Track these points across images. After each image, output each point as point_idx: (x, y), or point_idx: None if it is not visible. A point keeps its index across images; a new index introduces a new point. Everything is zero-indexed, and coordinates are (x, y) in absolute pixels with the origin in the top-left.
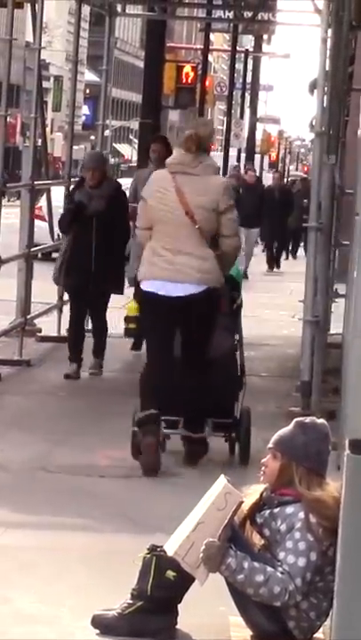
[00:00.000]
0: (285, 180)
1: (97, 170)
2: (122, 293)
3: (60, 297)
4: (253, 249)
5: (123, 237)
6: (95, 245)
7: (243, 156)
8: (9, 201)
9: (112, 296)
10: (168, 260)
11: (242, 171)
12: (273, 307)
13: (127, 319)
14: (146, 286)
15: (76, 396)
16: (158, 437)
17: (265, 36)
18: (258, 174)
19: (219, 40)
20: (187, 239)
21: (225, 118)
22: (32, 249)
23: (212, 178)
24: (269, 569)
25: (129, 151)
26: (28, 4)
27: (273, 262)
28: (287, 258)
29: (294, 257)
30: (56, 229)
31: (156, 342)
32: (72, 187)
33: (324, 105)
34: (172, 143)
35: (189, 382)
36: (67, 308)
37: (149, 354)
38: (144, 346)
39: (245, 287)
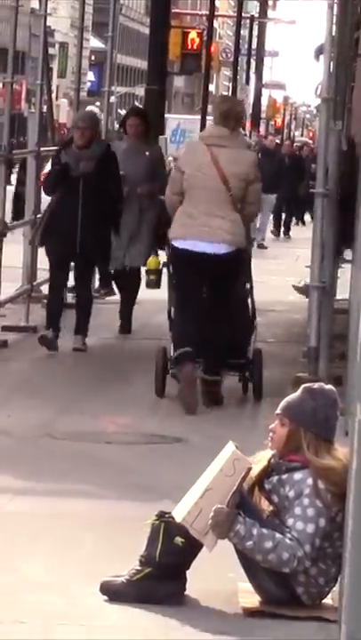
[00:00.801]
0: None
1: (87, 129)
2: (107, 266)
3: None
4: (269, 217)
5: (115, 202)
6: (82, 209)
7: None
8: (15, 168)
9: None
10: (203, 222)
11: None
12: (279, 273)
13: (148, 272)
14: (179, 244)
15: (82, 363)
16: (195, 369)
17: (270, 2)
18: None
19: (224, 6)
20: (220, 204)
21: (230, 84)
22: (38, 215)
23: (245, 151)
24: (278, 535)
25: None
26: None
27: (279, 229)
28: (297, 224)
29: (303, 223)
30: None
31: (186, 294)
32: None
33: (331, 71)
34: (177, 109)
35: (210, 330)
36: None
37: (178, 304)
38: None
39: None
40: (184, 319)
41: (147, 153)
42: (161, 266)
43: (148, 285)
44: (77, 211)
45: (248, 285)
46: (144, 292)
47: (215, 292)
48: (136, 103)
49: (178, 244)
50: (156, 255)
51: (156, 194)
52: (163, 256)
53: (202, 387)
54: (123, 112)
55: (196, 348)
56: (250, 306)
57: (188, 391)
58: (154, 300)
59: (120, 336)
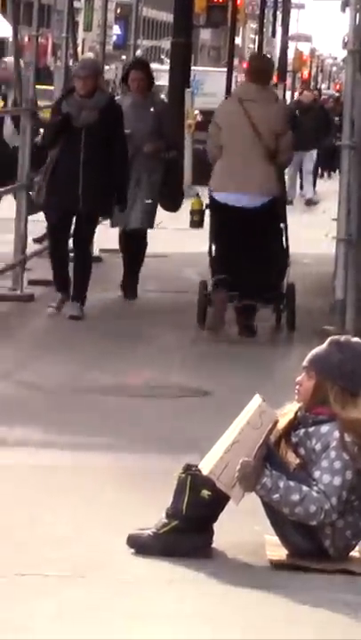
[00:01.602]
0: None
1: (89, 78)
2: (110, 215)
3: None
4: (310, 174)
5: (120, 153)
6: (83, 162)
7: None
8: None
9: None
10: (239, 173)
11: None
12: (305, 225)
13: (192, 212)
14: (218, 196)
15: (109, 317)
16: (227, 295)
17: None
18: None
19: None
20: (255, 156)
21: (256, 37)
22: None
23: (274, 105)
24: (305, 488)
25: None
26: None
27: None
28: (322, 176)
29: (329, 176)
30: None
31: (224, 241)
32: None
33: (357, 23)
34: (204, 62)
35: (247, 266)
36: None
37: (218, 245)
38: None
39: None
40: (222, 256)
41: (152, 109)
42: (204, 207)
43: (192, 225)
44: (79, 164)
45: (282, 225)
46: (172, 246)
47: (252, 236)
48: (162, 56)
49: (217, 196)
50: (198, 197)
51: (162, 152)
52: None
53: (237, 317)
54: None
55: (233, 279)
56: (284, 244)
57: (217, 312)
58: (182, 253)
59: (150, 289)
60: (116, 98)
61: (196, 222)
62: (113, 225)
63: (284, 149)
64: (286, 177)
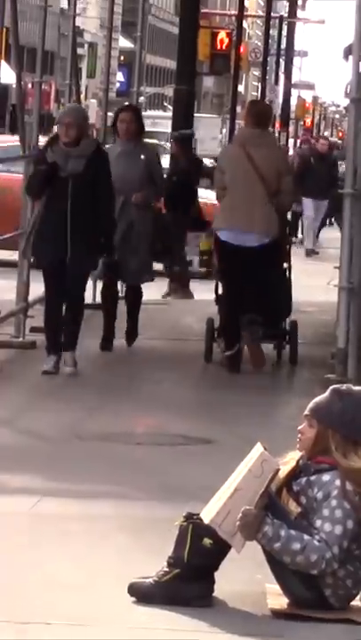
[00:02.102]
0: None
1: (73, 125)
2: (95, 268)
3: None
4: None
5: (107, 200)
6: (71, 211)
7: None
8: None
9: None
10: (242, 214)
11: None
12: (308, 273)
13: (202, 253)
14: (222, 235)
15: (111, 364)
16: (241, 346)
17: (300, 2)
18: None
19: (253, 6)
20: (257, 197)
21: (259, 84)
22: None
23: (275, 147)
24: (306, 537)
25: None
26: None
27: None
28: (331, 224)
29: (331, 223)
30: None
31: (230, 276)
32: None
33: (360, 70)
34: (207, 109)
35: (252, 304)
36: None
37: (225, 287)
38: None
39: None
40: (229, 296)
41: (142, 156)
42: (212, 247)
43: (201, 265)
44: (66, 214)
45: (286, 265)
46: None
47: (255, 274)
48: (165, 104)
49: (221, 235)
50: (206, 238)
51: (152, 202)
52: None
53: (249, 351)
54: (151, 112)
55: (239, 319)
56: (287, 285)
57: (233, 362)
58: (183, 301)
59: (150, 336)
60: (107, 146)
61: (206, 261)
62: (97, 278)
63: (287, 190)
64: (305, 225)
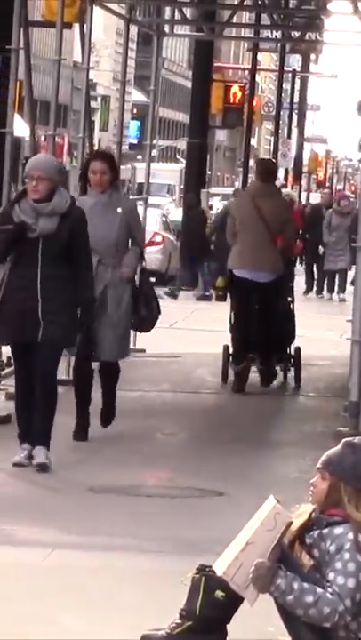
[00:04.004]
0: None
1: (43, 179)
2: (71, 345)
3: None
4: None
5: (85, 267)
6: (42, 278)
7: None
8: None
9: None
10: (252, 255)
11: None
12: (320, 326)
13: (217, 289)
14: (237, 272)
15: (124, 416)
16: (249, 362)
17: (312, 56)
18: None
19: (266, 60)
20: (264, 241)
21: (272, 138)
22: None
23: (279, 198)
24: (319, 590)
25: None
26: (77, 25)
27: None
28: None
29: None
30: None
31: (243, 309)
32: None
33: None
34: (219, 162)
35: (262, 333)
36: None
37: (236, 317)
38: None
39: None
40: (240, 326)
41: (119, 209)
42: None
43: (217, 299)
44: (36, 281)
45: (290, 299)
46: (185, 347)
47: (263, 306)
48: (178, 157)
49: (236, 272)
50: (223, 276)
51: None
52: None
53: (259, 373)
54: (164, 165)
55: (251, 346)
56: (290, 316)
57: (240, 379)
58: (195, 353)
59: (163, 389)
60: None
61: (221, 297)
62: (72, 353)
63: (289, 234)
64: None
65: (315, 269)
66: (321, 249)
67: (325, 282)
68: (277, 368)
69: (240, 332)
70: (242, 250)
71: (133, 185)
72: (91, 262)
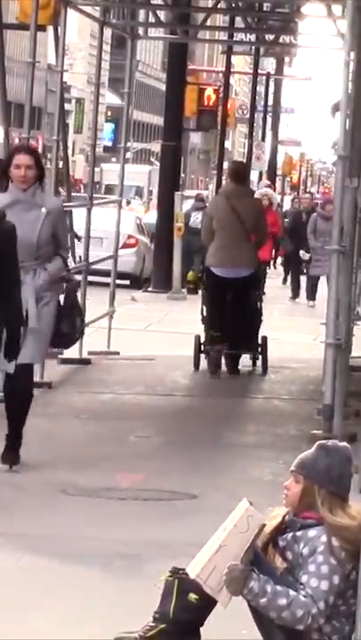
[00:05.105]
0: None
1: None
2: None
3: (82, 320)
4: None
5: (12, 284)
6: None
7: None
8: None
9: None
10: (227, 252)
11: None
12: (294, 329)
13: (189, 282)
14: (213, 269)
15: (97, 419)
16: (222, 348)
17: (287, 59)
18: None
19: (240, 63)
20: (239, 239)
21: (246, 141)
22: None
23: (252, 199)
24: (292, 592)
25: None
26: (51, 27)
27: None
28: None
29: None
30: (78, 251)
31: (216, 304)
32: None
33: (347, 128)
34: (193, 164)
35: (232, 322)
36: (89, 330)
37: (209, 310)
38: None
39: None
40: (214, 317)
41: (43, 209)
42: (198, 276)
43: (189, 292)
44: None
45: (258, 293)
46: (159, 349)
47: (237, 299)
48: (152, 159)
49: (214, 270)
50: (194, 270)
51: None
52: None
53: (226, 360)
54: (137, 166)
55: (223, 333)
56: (260, 307)
57: (215, 364)
58: (169, 356)
59: (137, 391)
60: None
61: (193, 289)
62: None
63: (262, 231)
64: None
65: (290, 275)
66: (305, 254)
67: (307, 288)
68: (247, 356)
69: (212, 322)
70: (220, 248)
71: (102, 186)
72: (18, 275)
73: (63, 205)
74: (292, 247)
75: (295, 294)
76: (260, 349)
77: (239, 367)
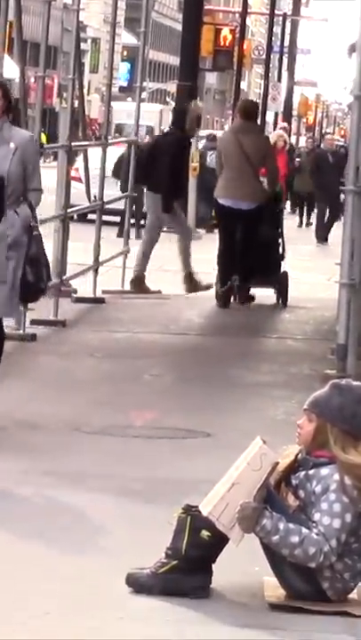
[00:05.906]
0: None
1: None
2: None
3: (96, 258)
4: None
5: None
6: None
7: (280, 119)
8: (45, 162)
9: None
10: (234, 186)
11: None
12: (308, 269)
13: (212, 218)
14: (221, 201)
15: (111, 357)
16: (232, 284)
17: (303, 0)
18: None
19: (257, 3)
20: (246, 174)
21: (262, 81)
22: (68, 210)
23: (260, 135)
24: (305, 530)
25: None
26: None
27: (324, 232)
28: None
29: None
30: (93, 190)
31: (227, 235)
32: None
33: None
34: (209, 105)
35: (243, 255)
36: (103, 269)
37: (221, 241)
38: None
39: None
40: (225, 251)
41: (11, 144)
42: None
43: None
44: None
45: (278, 229)
46: (174, 289)
47: (245, 232)
48: (168, 99)
49: (221, 200)
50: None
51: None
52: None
53: (238, 291)
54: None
55: (234, 267)
56: (280, 242)
57: (224, 299)
58: (184, 296)
59: (152, 330)
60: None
61: (215, 225)
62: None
63: (271, 168)
64: None
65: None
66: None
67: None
68: (271, 290)
69: (224, 258)
70: (226, 180)
71: (111, 125)
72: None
73: (33, 140)
74: (322, 187)
75: (324, 238)
76: (277, 285)
77: (254, 298)
